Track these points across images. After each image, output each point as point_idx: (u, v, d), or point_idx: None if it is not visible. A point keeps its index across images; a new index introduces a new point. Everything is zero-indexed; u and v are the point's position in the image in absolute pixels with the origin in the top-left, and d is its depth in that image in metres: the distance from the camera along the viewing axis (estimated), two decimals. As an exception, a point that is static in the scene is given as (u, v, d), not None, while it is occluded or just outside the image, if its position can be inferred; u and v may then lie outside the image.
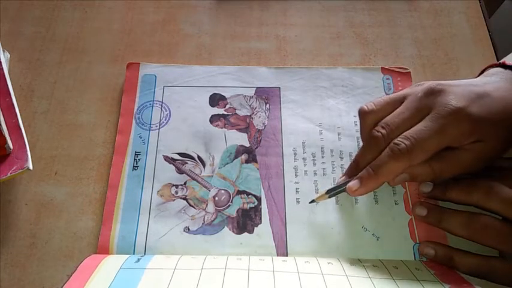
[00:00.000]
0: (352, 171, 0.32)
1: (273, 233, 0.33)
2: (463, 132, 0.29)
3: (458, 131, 0.29)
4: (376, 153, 0.31)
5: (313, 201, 0.33)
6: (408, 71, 0.40)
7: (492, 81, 0.31)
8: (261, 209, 0.34)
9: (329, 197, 0.33)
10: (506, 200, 0.28)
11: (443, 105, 0.29)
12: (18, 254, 0.32)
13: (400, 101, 0.32)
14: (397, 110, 0.31)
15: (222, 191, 0.34)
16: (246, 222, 0.33)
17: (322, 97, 0.39)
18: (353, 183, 0.31)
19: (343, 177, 0.34)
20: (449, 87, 0.30)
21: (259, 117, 0.38)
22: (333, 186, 0.33)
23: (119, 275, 0.27)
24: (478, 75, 0.34)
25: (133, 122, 0.37)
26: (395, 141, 0.29)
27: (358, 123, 0.37)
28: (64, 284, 0.26)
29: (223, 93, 0.39)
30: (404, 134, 0.29)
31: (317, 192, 0.34)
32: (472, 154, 0.30)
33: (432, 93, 0.30)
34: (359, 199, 0.34)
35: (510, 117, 0.29)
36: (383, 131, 0.31)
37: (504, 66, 0.33)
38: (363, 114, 0.33)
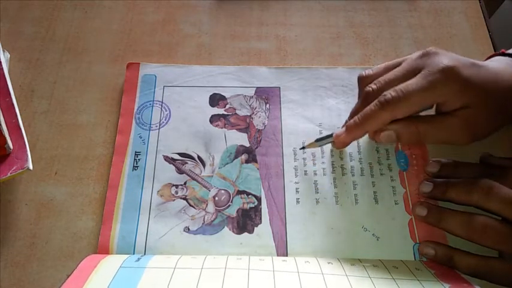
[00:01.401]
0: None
1: (273, 233, 0.33)
2: (451, 91, 0.29)
3: (447, 88, 0.29)
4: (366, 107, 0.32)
5: (303, 147, 0.36)
6: (408, 71, 0.40)
7: (488, 62, 0.33)
8: (261, 209, 0.34)
9: (319, 145, 0.35)
10: (505, 200, 0.28)
11: (435, 64, 0.30)
12: (18, 254, 0.32)
13: (398, 65, 0.33)
14: (393, 70, 0.33)
15: (222, 191, 0.34)
16: (246, 222, 0.33)
17: (322, 97, 0.39)
18: (339, 131, 0.33)
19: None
20: (445, 52, 0.31)
21: (259, 117, 0.38)
22: (319, 137, 0.35)
23: (119, 273, 0.27)
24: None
25: (133, 122, 0.37)
26: (384, 93, 0.31)
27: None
28: (63, 283, 0.26)
29: (223, 93, 0.39)
30: (393, 87, 0.31)
31: (317, 192, 0.34)
32: (460, 121, 0.30)
33: (427, 55, 0.31)
34: (359, 199, 0.34)
35: (500, 89, 0.30)
36: (374, 86, 0.32)
37: (503, 54, 0.34)
38: (360, 79, 0.35)
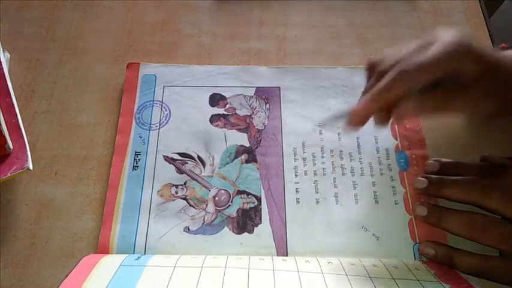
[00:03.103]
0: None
1: (273, 233, 0.33)
2: (467, 59, 0.29)
3: (462, 57, 0.29)
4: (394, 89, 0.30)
5: (322, 125, 0.36)
6: (408, 71, 0.40)
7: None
8: (261, 209, 0.34)
9: (334, 122, 0.34)
10: (505, 199, 0.28)
11: (450, 36, 0.30)
12: (18, 254, 0.32)
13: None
14: (404, 47, 0.32)
15: (222, 191, 0.34)
16: (246, 222, 0.33)
17: (322, 97, 0.39)
18: (355, 106, 0.31)
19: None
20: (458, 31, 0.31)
21: (259, 117, 0.38)
22: (336, 113, 0.34)
23: (119, 272, 0.27)
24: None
25: (133, 122, 0.37)
26: (401, 63, 0.30)
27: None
28: (63, 280, 0.26)
29: (223, 93, 0.39)
30: (410, 58, 0.30)
31: (317, 192, 0.34)
32: (478, 90, 0.30)
33: (438, 31, 0.31)
34: (359, 199, 0.34)
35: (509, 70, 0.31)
36: (387, 63, 0.31)
37: (502, 48, 0.34)
38: (370, 64, 0.34)
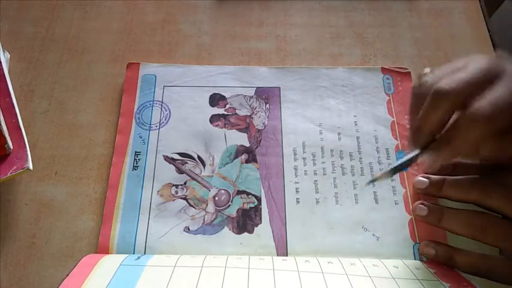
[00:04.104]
0: (416, 139, 0.29)
1: (273, 233, 0.33)
2: None
3: None
4: (443, 112, 0.27)
5: (374, 180, 0.30)
6: (408, 71, 0.40)
7: None
8: (261, 209, 0.34)
9: (393, 174, 0.30)
10: (506, 198, 0.28)
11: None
12: (18, 254, 0.32)
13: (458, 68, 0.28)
14: (465, 71, 0.27)
15: (222, 191, 0.34)
16: (246, 222, 0.33)
17: (322, 97, 0.39)
18: (424, 160, 0.28)
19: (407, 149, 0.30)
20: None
21: (259, 117, 0.38)
22: (393, 165, 0.29)
23: (119, 271, 0.27)
24: None
25: (133, 122, 0.37)
26: (475, 105, 0.25)
27: (359, 122, 0.37)
28: (63, 280, 0.26)
29: (223, 93, 0.39)
30: (482, 99, 0.25)
31: (317, 192, 0.34)
32: None
33: (499, 58, 0.28)
34: (359, 199, 0.34)
35: None
36: (447, 87, 0.26)
37: None
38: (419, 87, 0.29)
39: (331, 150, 0.36)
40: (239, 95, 0.39)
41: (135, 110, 0.38)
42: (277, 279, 0.27)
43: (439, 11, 0.45)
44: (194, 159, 0.36)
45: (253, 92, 0.39)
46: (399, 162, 0.29)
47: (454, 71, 0.28)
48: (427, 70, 0.32)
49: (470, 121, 0.25)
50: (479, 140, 0.26)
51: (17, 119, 0.34)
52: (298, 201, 0.34)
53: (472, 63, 0.28)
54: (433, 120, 0.28)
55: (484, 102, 0.25)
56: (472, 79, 0.26)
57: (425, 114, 0.28)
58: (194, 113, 0.38)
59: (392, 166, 0.29)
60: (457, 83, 0.26)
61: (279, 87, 0.39)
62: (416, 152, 0.28)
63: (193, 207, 0.34)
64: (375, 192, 0.34)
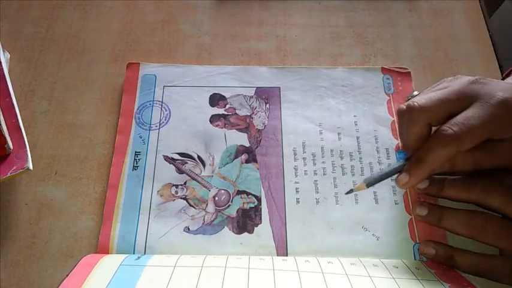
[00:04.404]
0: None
1: (273, 233, 0.33)
2: (509, 123, 0.28)
3: (506, 120, 0.28)
4: (417, 128, 0.30)
5: (350, 191, 0.32)
6: (408, 71, 0.40)
7: None
8: (261, 209, 0.34)
9: (367, 187, 0.31)
10: (505, 197, 0.28)
11: (491, 95, 0.29)
12: (18, 254, 0.32)
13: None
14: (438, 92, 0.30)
15: (222, 191, 0.34)
16: (246, 222, 0.33)
17: (322, 97, 0.39)
18: (402, 177, 0.30)
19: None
20: (491, 81, 0.30)
21: (259, 117, 0.38)
22: (372, 175, 0.31)
23: (119, 271, 0.27)
24: (504, 78, 0.34)
25: (133, 122, 0.37)
26: (443, 127, 0.28)
27: (359, 122, 0.37)
28: (63, 280, 0.26)
29: (223, 93, 0.39)
30: (452, 120, 0.28)
31: (317, 192, 0.34)
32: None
33: (477, 83, 0.30)
34: (359, 199, 0.34)
35: None
36: (422, 101, 0.29)
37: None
38: (405, 111, 0.31)
39: (331, 150, 0.36)
40: (239, 95, 0.39)
41: (135, 110, 0.38)
42: (277, 279, 0.27)
43: (439, 11, 0.45)
44: (194, 159, 0.36)
45: (253, 92, 0.39)
46: (376, 175, 0.31)
47: (436, 90, 0.31)
48: (415, 93, 0.35)
49: (438, 141, 0.28)
50: (449, 159, 0.29)
51: (17, 119, 0.34)
52: (298, 201, 0.34)
53: (453, 85, 0.31)
54: (410, 136, 0.30)
55: (453, 123, 0.28)
56: (444, 98, 0.29)
57: (401, 130, 0.31)
58: (194, 113, 0.38)
59: (368, 180, 0.31)
60: (429, 100, 0.29)
61: (279, 87, 0.39)
62: (393, 166, 0.31)
63: (193, 207, 0.34)
64: (375, 192, 0.34)
